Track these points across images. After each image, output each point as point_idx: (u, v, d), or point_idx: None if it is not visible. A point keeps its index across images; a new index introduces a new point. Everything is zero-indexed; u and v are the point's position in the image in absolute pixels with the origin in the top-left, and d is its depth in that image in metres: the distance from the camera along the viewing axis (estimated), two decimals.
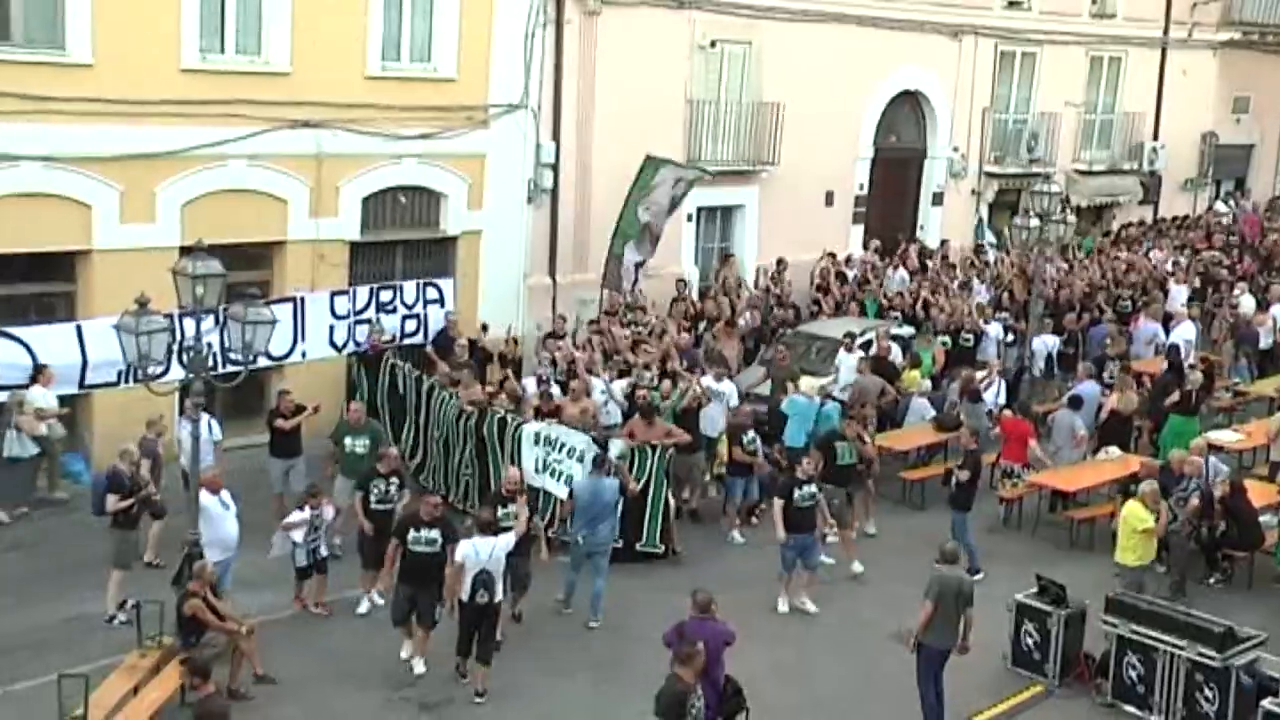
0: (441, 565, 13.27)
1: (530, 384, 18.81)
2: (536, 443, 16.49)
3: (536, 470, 16.32)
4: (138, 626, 12.98)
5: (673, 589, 14.40)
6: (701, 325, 22.48)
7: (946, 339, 22.66)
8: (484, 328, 21.03)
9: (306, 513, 14.55)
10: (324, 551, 14.81)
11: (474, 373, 19.08)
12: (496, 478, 16.34)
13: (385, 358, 19.54)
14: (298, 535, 14.49)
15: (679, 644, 10.93)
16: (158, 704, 12.02)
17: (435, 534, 13.32)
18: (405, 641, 13.79)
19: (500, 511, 13.79)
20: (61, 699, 11.43)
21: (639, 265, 22.66)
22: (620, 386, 18.63)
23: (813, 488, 15.43)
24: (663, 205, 22.36)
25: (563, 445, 16.36)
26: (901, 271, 26.51)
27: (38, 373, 16.90)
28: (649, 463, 16.49)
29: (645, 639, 13.07)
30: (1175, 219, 35.12)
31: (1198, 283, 27.85)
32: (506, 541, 13.16)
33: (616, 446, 16.47)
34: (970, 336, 22.73)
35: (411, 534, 13.36)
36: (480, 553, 12.87)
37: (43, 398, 17.06)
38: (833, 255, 26.61)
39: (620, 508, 15.53)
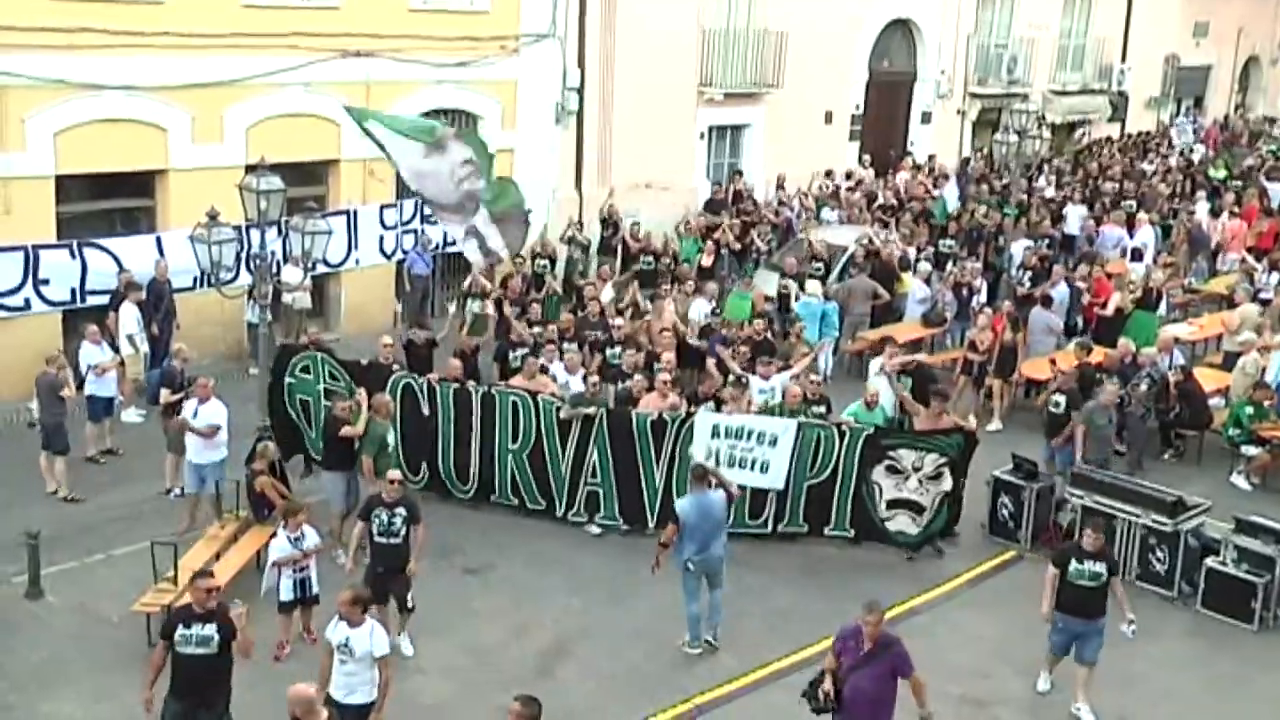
0: (223, 673, 8.71)
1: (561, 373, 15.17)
2: (714, 435, 13.54)
3: (718, 464, 13.17)
4: (218, 501, 13.19)
5: None
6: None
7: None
8: None
9: (283, 535, 11.21)
10: (314, 585, 11.24)
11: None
12: (648, 484, 13.88)
13: (395, 380, 14.22)
14: (282, 556, 11.18)
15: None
16: (237, 567, 12.23)
17: (210, 630, 8.53)
18: None
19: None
20: (155, 563, 11.64)
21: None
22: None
23: (1100, 566, 10.84)
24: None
25: (750, 433, 13.52)
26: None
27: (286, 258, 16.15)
28: (837, 448, 13.64)
29: None
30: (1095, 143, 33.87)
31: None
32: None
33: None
34: None
35: (179, 631, 8.56)
36: (343, 637, 8.83)
37: (292, 275, 16.68)
38: (829, 173, 26.52)
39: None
